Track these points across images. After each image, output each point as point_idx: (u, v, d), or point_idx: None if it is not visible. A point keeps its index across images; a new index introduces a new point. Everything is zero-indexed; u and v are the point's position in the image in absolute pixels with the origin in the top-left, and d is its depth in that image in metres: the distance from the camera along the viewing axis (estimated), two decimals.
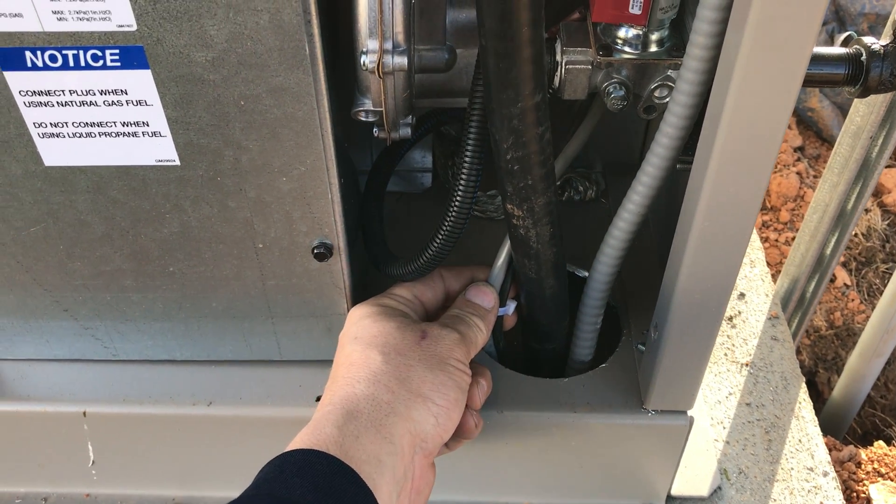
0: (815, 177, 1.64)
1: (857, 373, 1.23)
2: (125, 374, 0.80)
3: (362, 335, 0.66)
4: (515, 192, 0.65)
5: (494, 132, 0.61)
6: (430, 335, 0.67)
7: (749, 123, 0.56)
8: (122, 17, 0.54)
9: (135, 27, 0.54)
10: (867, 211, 1.55)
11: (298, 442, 0.59)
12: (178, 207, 0.65)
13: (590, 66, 0.68)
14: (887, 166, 1.62)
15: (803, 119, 1.78)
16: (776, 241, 1.53)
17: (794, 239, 1.44)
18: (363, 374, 0.63)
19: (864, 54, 0.70)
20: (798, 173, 1.62)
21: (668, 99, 0.68)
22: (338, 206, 0.66)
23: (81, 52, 0.56)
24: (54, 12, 0.54)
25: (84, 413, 0.78)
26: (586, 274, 0.78)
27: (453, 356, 0.66)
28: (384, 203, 0.84)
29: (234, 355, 0.80)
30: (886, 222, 1.54)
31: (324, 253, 0.68)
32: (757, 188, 0.60)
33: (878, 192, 1.60)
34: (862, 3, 1.61)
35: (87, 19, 0.54)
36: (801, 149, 1.72)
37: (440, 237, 0.71)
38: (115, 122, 0.60)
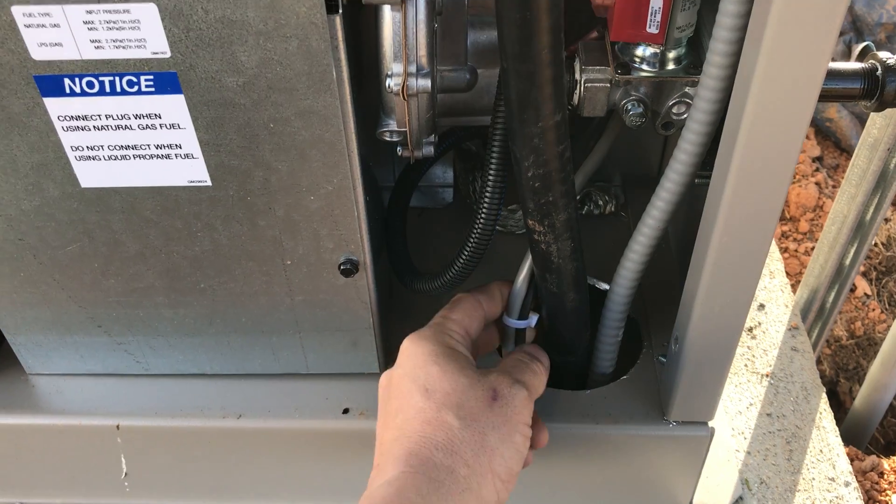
0: (833, 187, 1.65)
1: (879, 382, 1.23)
2: (157, 388, 0.82)
3: (434, 389, 0.64)
4: (537, 209, 0.66)
5: (516, 151, 0.63)
6: (501, 395, 0.65)
7: (766, 139, 0.57)
8: (156, 45, 0.56)
9: (168, 54, 0.56)
10: (887, 220, 1.55)
11: (380, 502, 0.58)
12: (210, 226, 0.67)
13: (608, 84, 0.70)
14: None
15: (821, 129, 1.79)
16: (795, 251, 1.53)
17: (813, 249, 1.44)
18: (440, 439, 0.62)
19: (879, 69, 0.71)
20: (817, 183, 1.62)
21: (685, 115, 0.69)
22: (363, 224, 0.68)
23: (117, 79, 0.58)
24: (92, 41, 0.56)
25: (117, 426, 0.80)
26: (607, 287, 0.79)
27: (522, 420, 0.66)
28: (407, 216, 0.86)
29: (262, 369, 0.82)
30: None
31: (350, 269, 0.70)
32: (775, 202, 0.61)
33: None
34: (879, 13, 1.61)
35: (124, 47, 0.56)
36: (819, 159, 1.73)
37: (465, 254, 0.73)
38: (149, 145, 0.62)
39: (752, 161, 0.58)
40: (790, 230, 1.57)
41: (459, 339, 0.70)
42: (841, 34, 1.64)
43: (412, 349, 0.67)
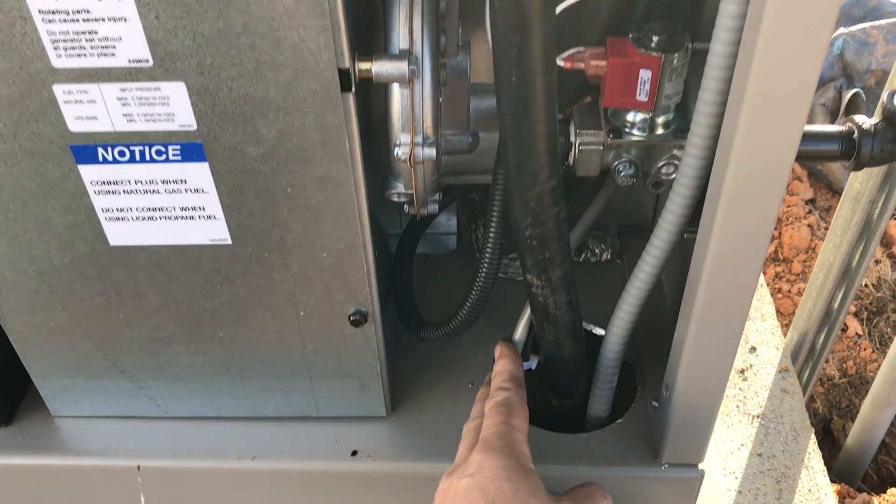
0: (825, 229, 1.69)
1: (870, 421, 1.27)
2: (176, 431, 0.86)
3: None
4: (534, 265, 0.71)
5: (514, 212, 0.67)
6: None
7: (747, 198, 0.61)
8: (184, 119, 0.61)
9: (195, 127, 0.61)
10: (877, 262, 1.59)
11: None
12: (229, 280, 0.72)
13: (601, 147, 0.75)
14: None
15: (814, 172, 1.84)
16: (789, 291, 1.58)
17: (805, 289, 1.48)
18: None
19: (855, 132, 0.76)
20: (809, 225, 1.67)
21: (674, 175, 0.74)
22: (373, 278, 0.72)
23: (147, 148, 0.63)
24: (125, 115, 0.61)
25: (138, 467, 0.84)
26: (603, 332, 0.83)
27: None
28: (413, 266, 0.90)
29: (275, 412, 0.86)
30: None
31: (359, 320, 0.75)
32: (756, 257, 0.66)
33: (889, 244, 1.65)
34: (868, 61, 1.67)
35: (154, 120, 0.61)
36: (812, 201, 1.77)
37: (468, 305, 0.77)
38: (174, 207, 0.67)
39: (735, 219, 0.63)
40: (783, 271, 1.62)
41: (528, 452, 0.69)
42: (832, 80, 1.69)
43: (484, 461, 0.65)
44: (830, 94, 1.66)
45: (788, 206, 1.70)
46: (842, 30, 1.72)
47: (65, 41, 0.57)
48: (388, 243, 0.91)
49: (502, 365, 0.78)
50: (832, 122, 1.65)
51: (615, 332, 0.79)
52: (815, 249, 1.63)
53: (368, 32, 0.70)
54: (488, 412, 0.72)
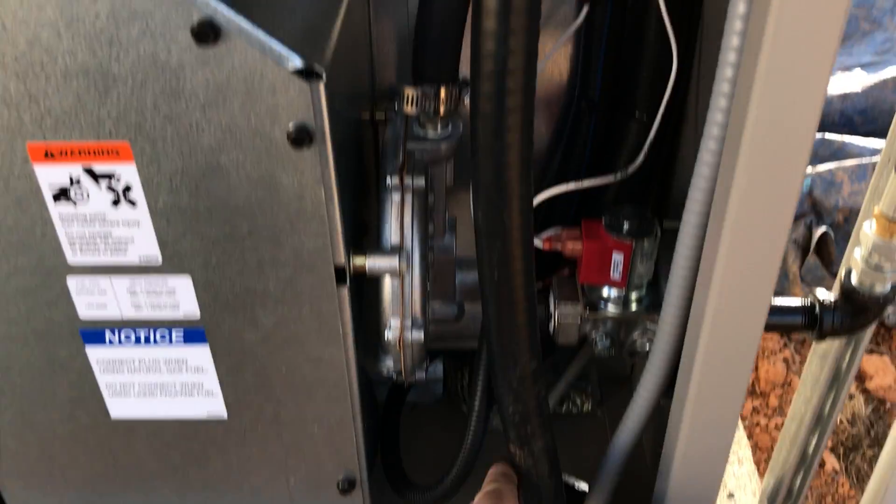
0: (801, 363, 1.74)
1: None
2: None
3: None
4: (517, 438, 0.74)
5: (497, 390, 0.71)
6: None
7: (717, 371, 0.65)
8: (188, 308, 0.65)
9: (198, 315, 0.65)
10: (851, 398, 1.63)
11: None
12: (223, 451, 0.75)
13: (579, 319, 0.79)
14: (868, 352, 1.72)
15: None
16: (766, 426, 1.61)
17: (782, 423, 1.51)
18: None
19: (817, 307, 0.80)
20: (784, 360, 1.71)
21: (648, 346, 0.78)
22: (362, 448, 0.75)
23: (152, 332, 0.67)
24: (133, 304, 0.65)
25: None
26: (585, 487, 0.85)
27: None
28: (400, 426, 0.93)
29: None
30: (871, 407, 1.62)
31: (347, 488, 0.77)
32: (727, 428, 0.70)
33: (862, 378, 1.69)
34: (836, 199, 1.75)
35: (159, 308, 0.65)
36: (787, 335, 1.82)
37: (456, 469, 0.80)
38: (174, 384, 0.70)
39: (706, 394, 0.67)
40: (760, 405, 1.65)
41: None
42: (802, 216, 1.77)
43: None
44: (801, 231, 1.73)
45: (764, 341, 1.74)
46: (809, 169, 1.80)
47: (81, 241, 0.61)
48: (377, 396, 0.94)
49: (495, 468, 0.80)
50: (803, 257, 1.72)
51: (597, 494, 0.82)
52: (791, 384, 1.67)
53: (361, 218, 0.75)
54: (477, 501, 0.74)
